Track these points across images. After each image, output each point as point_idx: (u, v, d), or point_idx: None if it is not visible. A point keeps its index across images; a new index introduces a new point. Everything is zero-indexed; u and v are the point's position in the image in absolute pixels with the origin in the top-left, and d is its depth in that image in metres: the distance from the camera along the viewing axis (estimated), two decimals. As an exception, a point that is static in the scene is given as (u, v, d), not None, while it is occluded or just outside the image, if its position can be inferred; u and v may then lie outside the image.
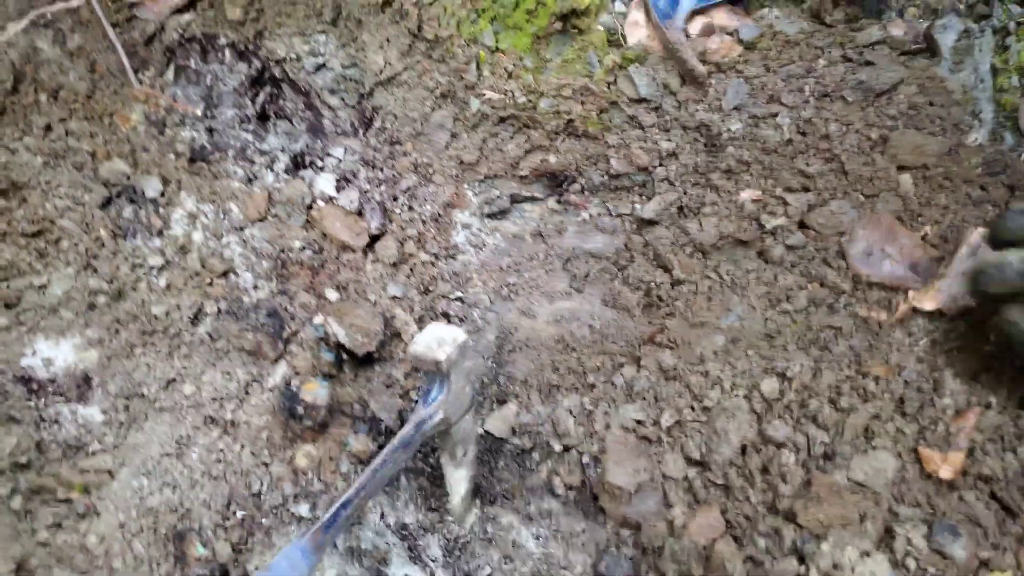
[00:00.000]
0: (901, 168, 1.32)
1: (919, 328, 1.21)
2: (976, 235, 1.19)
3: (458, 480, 1.23)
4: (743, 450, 1.20)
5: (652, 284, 1.49)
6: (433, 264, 1.51)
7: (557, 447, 1.37)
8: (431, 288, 1.49)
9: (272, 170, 1.54)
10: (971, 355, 1.16)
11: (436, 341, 1.09)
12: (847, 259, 1.29)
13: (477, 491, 1.30)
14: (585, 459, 1.31)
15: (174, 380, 1.38)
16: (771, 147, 1.40)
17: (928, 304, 1.21)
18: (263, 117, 1.58)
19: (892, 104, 1.35)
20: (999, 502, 1.05)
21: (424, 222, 1.53)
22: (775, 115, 1.40)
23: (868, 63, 1.40)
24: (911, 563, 1.04)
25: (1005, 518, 1.04)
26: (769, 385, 1.27)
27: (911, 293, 1.22)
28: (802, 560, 1.06)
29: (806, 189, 1.37)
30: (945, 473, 1.08)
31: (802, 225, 1.37)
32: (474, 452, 1.26)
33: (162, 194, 1.48)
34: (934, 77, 1.36)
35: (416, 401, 1.37)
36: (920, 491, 1.08)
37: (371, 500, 1.22)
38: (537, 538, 1.25)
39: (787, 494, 1.13)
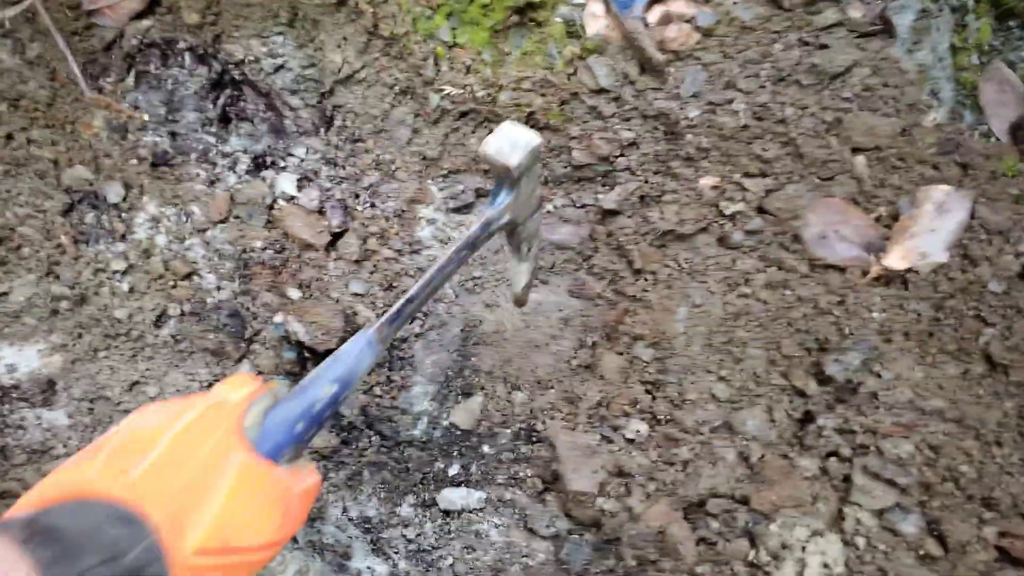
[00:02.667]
0: (855, 150, 1.38)
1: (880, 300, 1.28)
2: (939, 192, 1.27)
3: (520, 272, 1.32)
4: (707, 436, 1.27)
5: (616, 274, 1.56)
6: (397, 260, 1.59)
7: (522, 438, 1.44)
8: (395, 284, 1.57)
9: (234, 171, 1.63)
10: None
11: (509, 144, 1.07)
12: (802, 242, 1.36)
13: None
14: (545, 452, 1.39)
15: (138, 382, 1.47)
16: (728, 133, 1.47)
17: (900, 263, 1.28)
18: (225, 119, 1.67)
19: (846, 87, 1.42)
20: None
21: (387, 218, 1.61)
22: (731, 101, 1.48)
23: (823, 46, 1.46)
24: (860, 541, 1.10)
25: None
26: (729, 370, 1.34)
27: (881, 256, 1.30)
28: (753, 541, 1.13)
29: (764, 174, 1.44)
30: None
31: (760, 210, 1.44)
32: (537, 247, 1.32)
33: (124, 199, 1.57)
34: (888, 58, 1.43)
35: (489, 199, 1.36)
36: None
37: (433, 296, 1.29)
38: (499, 527, 1.32)
39: (743, 478, 1.20)
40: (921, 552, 1.08)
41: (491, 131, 1.08)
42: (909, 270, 1.28)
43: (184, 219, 1.58)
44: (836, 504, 1.13)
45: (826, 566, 1.08)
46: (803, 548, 1.09)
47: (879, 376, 1.23)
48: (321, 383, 0.87)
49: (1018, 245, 1.27)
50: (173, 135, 1.64)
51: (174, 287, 1.54)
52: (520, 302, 1.41)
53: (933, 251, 1.26)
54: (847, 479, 1.14)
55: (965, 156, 1.34)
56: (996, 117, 1.48)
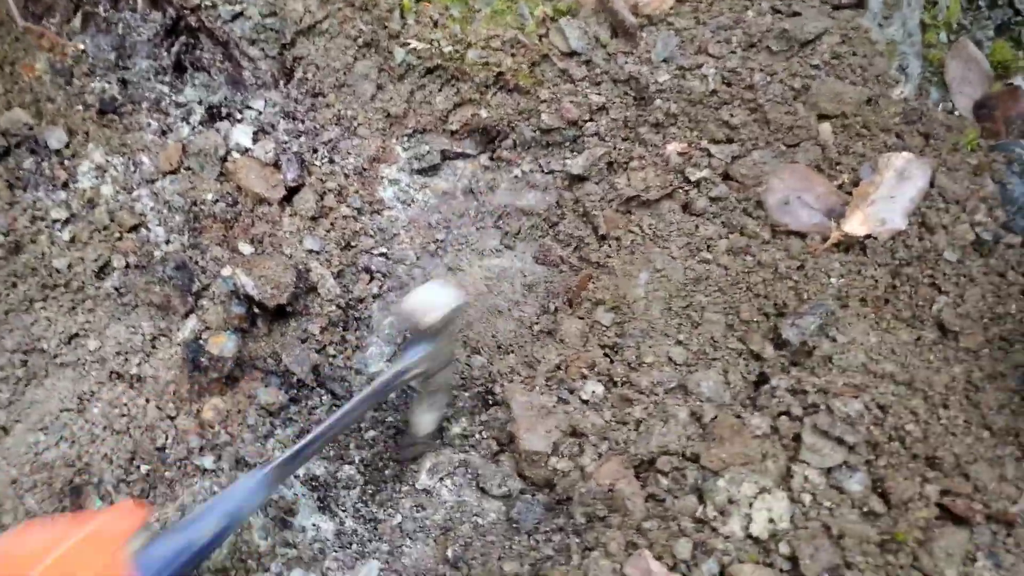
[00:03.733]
0: (821, 117, 1.45)
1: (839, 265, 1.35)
2: (901, 159, 1.33)
3: (424, 420, 1.36)
4: (661, 397, 1.33)
5: (581, 240, 1.61)
6: (356, 219, 1.62)
7: (479, 401, 1.49)
8: (353, 243, 1.60)
9: (188, 122, 1.65)
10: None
11: (430, 303, 1.18)
12: (765, 209, 1.43)
13: (439, 433, 1.43)
14: (502, 414, 1.43)
15: (77, 335, 1.48)
16: (697, 99, 1.53)
17: (859, 228, 1.35)
18: (180, 68, 1.69)
19: (816, 54, 1.49)
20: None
21: (347, 175, 1.64)
22: (701, 66, 1.54)
23: (795, 13, 1.53)
24: (807, 498, 1.17)
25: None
26: (687, 334, 1.40)
27: (842, 221, 1.36)
28: (701, 497, 1.19)
29: (730, 140, 1.51)
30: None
31: (726, 176, 1.50)
32: (444, 399, 1.38)
33: (67, 146, 1.58)
34: (859, 28, 1.50)
35: (399, 347, 1.49)
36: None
37: (337, 437, 1.36)
38: (450, 488, 1.36)
39: (695, 436, 1.26)
40: (865, 509, 1.14)
41: (422, 285, 1.22)
42: (868, 236, 1.35)
43: (132, 169, 1.60)
44: (785, 462, 1.19)
45: (771, 521, 1.14)
46: (750, 504, 1.15)
47: (834, 340, 1.29)
48: (209, 518, 0.92)
49: (974, 215, 1.35)
50: (123, 82, 1.65)
51: (119, 239, 1.55)
52: (415, 452, 1.40)
53: (892, 218, 1.33)
54: (797, 438, 1.20)
55: (928, 126, 1.42)
56: (960, 95, 1.57)
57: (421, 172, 1.71)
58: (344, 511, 1.34)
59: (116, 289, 1.52)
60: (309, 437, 1.08)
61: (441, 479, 1.38)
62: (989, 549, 1.13)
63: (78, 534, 0.73)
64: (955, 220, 1.35)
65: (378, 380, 1.18)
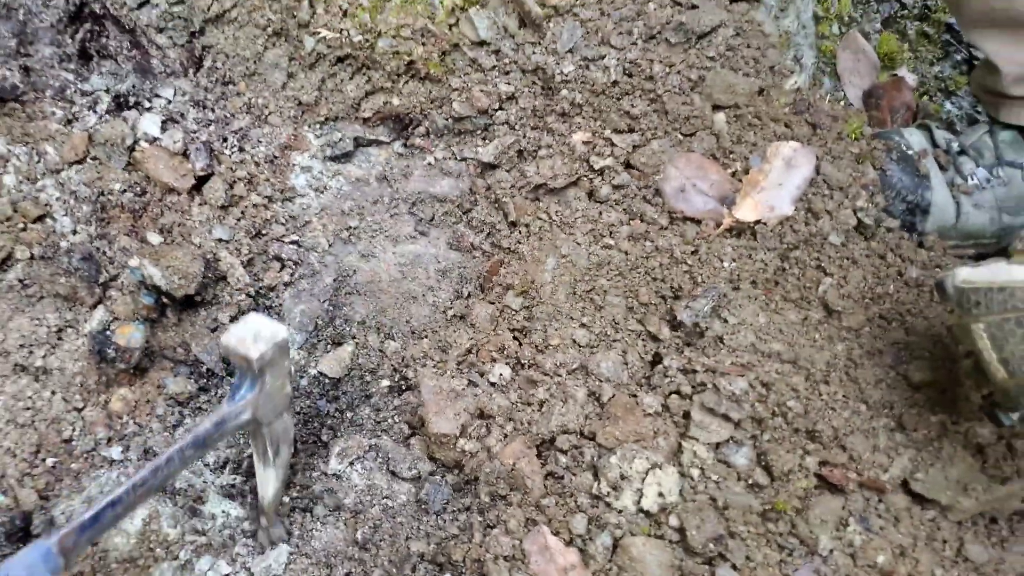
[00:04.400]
0: (716, 107, 1.49)
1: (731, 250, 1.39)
2: (788, 148, 1.38)
3: (267, 481, 1.23)
4: (563, 378, 1.36)
5: (493, 226, 1.63)
6: (266, 207, 1.60)
7: (392, 386, 1.50)
8: (264, 231, 1.59)
9: (94, 111, 1.60)
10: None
11: (252, 335, 1.05)
12: (663, 196, 1.46)
13: (287, 489, 1.32)
14: (413, 399, 1.44)
15: (-20, 328, 1.44)
16: (600, 89, 1.56)
17: (749, 214, 1.39)
18: (85, 56, 1.64)
19: (711, 46, 1.52)
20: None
21: (257, 164, 1.62)
22: (603, 57, 1.56)
23: (693, 6, 1.56)
24: (695, 472, 1.21)
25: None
26: (590, 317, 1.43)
27: (734, 208, 1.41)
28: (596, 474, 1.23)
29: (631, 130, 1.53)
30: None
31: (628, 165, 1.53)
32: (288, 454, 1.25)
33: (-33, 135, 1.52)
34: (752, 21, 1.54)
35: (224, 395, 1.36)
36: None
37: (148, 499, 1.14)
38: (360, 472, 1.37)
39: (592, 416, 1.29)
40: (750, 481, 1.19)
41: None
42: (758, 222, 1.39)
43: (36, 159, 1.55)
44: (676, 439, 1.23)
45: (661, 495, 1.18)
46: (642, 480, 1.19)
47: (726, 321, 1.34)
48: None
49: (856, 201, 1.41)
50: (25, 69, 1.59)
51: (23, 229, 1.50)
52: (269, 519, 1.26)
53: (780, 204, 1.38)
54: (687, 415, 1.24)
55: (815, 116, 1.47)
56: (851, 85, 1.62)
57: (334, 159, 1.70)
58: (253, 496, 1.34)
59: (20, 281, 1.48)
60: (107, 500, 0.93)
61: (351, 463, 1.39)
62: (860, 514, 1.19)
63: None
64: (839, 206, 1.40)
65: (192, 433, 1.03)
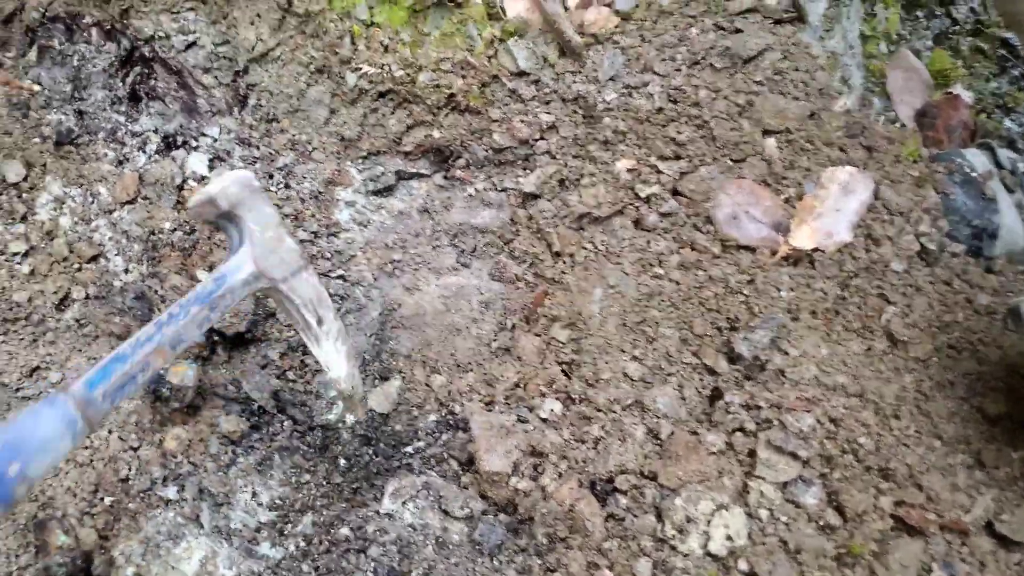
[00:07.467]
0: (766, 132, 1.38)
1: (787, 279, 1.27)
2: (844, 173, 1.26)
3: (328, 356, 1.07)
4: (618, 414, 1.24)
5: (536, 257, 1.53)
6: (313, 243, 1.52)
7: (440, 421, 1.40)
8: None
9: (144, 151, 1.54)
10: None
11: (213, 185, 0.95)
12: (714, 223, 1.34)
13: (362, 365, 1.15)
14: (462, 435, 1.34)
15: (38, 368, 1.37)
16: (644, 116, 1.45)
17: (806, 242, 1.27)
18: (135, 98, 1.58)
19: (758, 70, 1.41)
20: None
21: (303, 199, 1.54)
22: (647, 84, 1.45)
23: (737, 31, 1.45)
24: (763, 513, 1.09)
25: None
26: (642, 349, 1.31)
27: (789, 235, 1.28)
28: (660, 516, 1.11)
29: (678, 157, 1.42)
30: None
31: (675, 192, 1.42)
32: (335, 321, 1.09)
33: (25, 179, 1.47)
34: (799, 43, 1.42)
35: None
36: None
37: (159, 366, 0.94)
38: (413, 510, 1.27)
39: (652, 454, 1.17)
40: (821, 522, 1.07)
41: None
42: (816, 249, 1.27)
43: (90, 200, 1.49)
44: (741, 478, 1.11)
45: (729, 538, 1.06)
46: (708, 521, 1.07)
47: (786, 353, 1.22)
48: None
49: (918, 226, 1.28)
50: (80, 113, 1.54)
51: (79, 270, 1.44)
52: (351, 404, 1.10)
53: (838, 231, 1.25)
54: (752, 453, 1.12)
55: (870, 139, 1.35)
56: (902, 104, 1.49)
57: (376, 193, 1.62)
58: (303, 538, 1.25)
59: (76, 320, 1.41)
60: (113, 354, 0.85)
61: (404, 503, 1.29)
62: (944, 559, 1.06)
63: None
64: (900, 231, 1.28)
65: (196, 288, 0.93)
